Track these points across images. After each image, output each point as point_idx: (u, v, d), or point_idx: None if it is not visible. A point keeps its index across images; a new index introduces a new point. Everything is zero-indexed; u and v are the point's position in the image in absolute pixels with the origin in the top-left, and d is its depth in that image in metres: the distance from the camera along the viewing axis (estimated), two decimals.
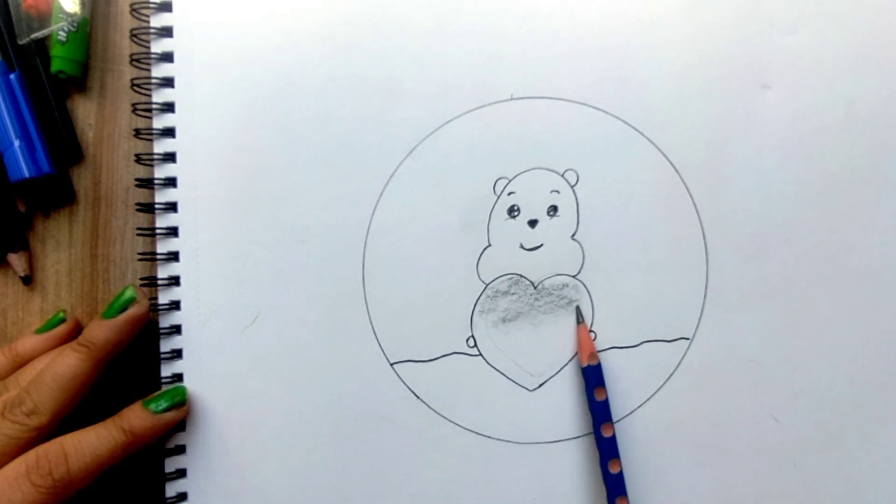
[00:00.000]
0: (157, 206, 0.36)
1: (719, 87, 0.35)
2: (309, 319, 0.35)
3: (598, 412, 0.34)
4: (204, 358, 0.35)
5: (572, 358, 0.35)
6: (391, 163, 0.35)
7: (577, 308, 0.35)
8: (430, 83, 0.35)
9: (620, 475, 0.33)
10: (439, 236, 0.35)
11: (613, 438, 0.34)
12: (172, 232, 0.35)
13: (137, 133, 0.36)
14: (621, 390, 0.35)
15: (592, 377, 0.34)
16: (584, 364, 0.34)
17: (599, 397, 0.34)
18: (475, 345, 0.35)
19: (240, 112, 0.35)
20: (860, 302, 0.35)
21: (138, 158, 0.36)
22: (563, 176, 0.35)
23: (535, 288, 0.35)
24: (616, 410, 0.35)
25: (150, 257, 0.36)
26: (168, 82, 0.35)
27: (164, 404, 0.34)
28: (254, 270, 0.35)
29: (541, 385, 0.35)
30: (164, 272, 0.36)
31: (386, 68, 0.35)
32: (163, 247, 0.36)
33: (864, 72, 0.34)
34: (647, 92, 0.35)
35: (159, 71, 0.36)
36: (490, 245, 0.35)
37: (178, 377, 0.35)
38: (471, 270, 0.35)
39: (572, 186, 0.35)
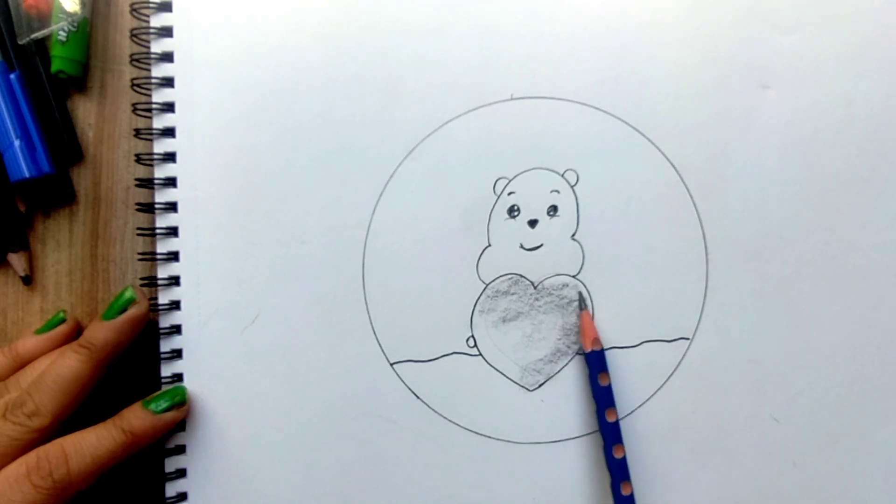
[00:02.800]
0: (157, 206, 0.36)
1: (719, 87, 0.35)
2: (309, 319, 0.35)
3: (602, 398, 0.34)
4: (204, 358, 0.35)
5: (572, 358, 0.35)
6: (391, 163, 0.35)
7: (580, 294, 0.35)
8: (430, 83, 0.35)
9: (624, 461, 0.34)
10: (439, 236, 0.35)
11: (617, 424, 0.34)
12: (172, 232, 0.35)
13: (137, 133, 0.36)
14: (621, 390, 0.35)
15: (596, 362, 0.34)
16: (588, 349, 0.34)
17: (603, 382, 0.34)
18: (475, 345, 0.35)
19: (240, 112, 0.35)
20: (860, 302, 0.35)
21: (138, 158, 0.36)
22: (563, 176, 0.35)
23: (535, 288, 0.35)
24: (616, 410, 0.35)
25: (150, 257, 0.36)
26: (168, 82, 0.35)
27: (164, 404, 0.34)
28: (254, 270, 0.35)
29: (541, 385, 0.35)
30: (164, 272, 0.36)
31: (386, 68, 0.35)
32: (163, 247, 0.36)
33: (864, 72, 0.34)
34: (647, 92, 0.35)
35: (159, 71, 0.36)
36: (490, 245, 0.35)
37: (178, 377, 0.35)
38: (471, 270, 0.35)
39: (572, 186, 0.35)
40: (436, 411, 0.35)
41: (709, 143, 0.35)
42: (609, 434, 0.34)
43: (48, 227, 0.38)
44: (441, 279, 0.35)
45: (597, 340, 0.34)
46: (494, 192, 0.35)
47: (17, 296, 0.38)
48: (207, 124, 0.35)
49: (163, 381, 0.35)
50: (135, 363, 0.36)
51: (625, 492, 0.33)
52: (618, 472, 0.33)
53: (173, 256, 0.35)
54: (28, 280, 0.38)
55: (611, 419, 0.34)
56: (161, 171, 0.36)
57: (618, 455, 0.33)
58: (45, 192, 0.37)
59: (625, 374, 0.35)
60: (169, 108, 0.35)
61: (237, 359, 0.35)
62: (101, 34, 0.38)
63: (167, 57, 0.35)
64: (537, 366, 0.35)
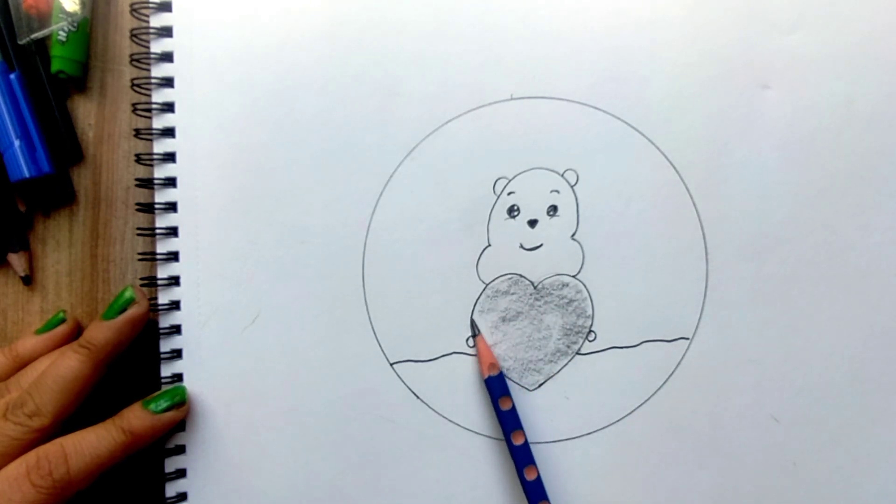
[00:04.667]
0: (157, 206, 0.36)
1: (719, 87, 0.35)
2: (309, 319, 0.35)
3: (507, 421, 0.34)
4: (204, 358, 0.36)
5: (572, 358, 0.35)
6: (391, 163, 0.35)
7: (472, 320, 0.35)
8: (430, 83, 0.35)
9: (538, 481, 0.33)
10: (439, 236, 0.35)
11: (526, 446, 0.34)
12: (172, 232, 0.35)
13: (137, 133, 0.36)
14: (621, 390, 0.35)
15: (496, 387, 0.34)
16: (485, 375, 0.34)
17: (505, 406, 0.34)
18: (475, 345, 0.35)
19: (240, 112, 0.35)
20: (860, 302, 0.35)
21: (138, 158, 0.36)
22: (562, 176, 0.35)
23: (534, 288, 0.35)
24: (616, 410, 0.35)
25: (150, 257, 0.36)
26: (168, 82, 0.35)
27: (163, 404, 0.34)
28: (254, 270, 0.35)
29: (541, 385, 0.35)
30: (164, 272, 0.36)
31: (386, 68, 0.35)
32: (163, 247, 0.36)
33: (864, 72, 0.34)
34: (647, 92, 0.35)
35: (159, 71, 0.36)
36: (490, 245, 0.35)
37: (178, 377, 0.35)
38: (471, 270, 0.35)
39: (572, 186, 0.35)
40: (436, 411, 0.35)
41: (709, 143, 0.35)
42: (520, 456, 0.33)
43: (48, 227, 0.38)
44: (441, 279, 0.35)
45: (493, 366, 0.34)
46: (494, 192, 0.35)
47: (17, 296, 0.38)
48: (207, 124, 0.35)
49: (163, 381, 0.36)
50: (135, 363, 0.36)
51: None
52: (533, 493, 0.33)
53: (173, 256, 0.35)
54: (28, 280, 0.38)
55: (518, 442, 0.34)
56: (161, 171, 0.36)
57: (530, 476, 0.33)
58: (45, 192, 0.37)
59: (625, 374, 0.35)
60: (169, 108, 0.35)
61: (237, 359, 0.36)
62: (101, 34, 0.38)
63: (167, 57, 0.35)
64: (537, 366, 0.35)
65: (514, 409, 0.34)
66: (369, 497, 0.35)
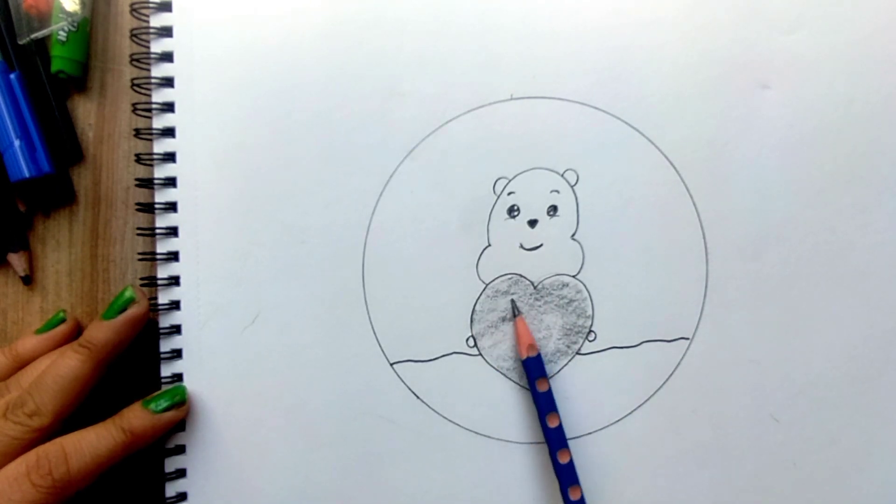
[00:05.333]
0: (157, 206, 0.36)
1: (719, 87, 0.35)
2: (309, 319, 0.35)
3: (542, 403, 0.34)
4: (204, 358, 0.36)
5: (572, 358, 0.35)
6: (391, 163, 0.35)
7: (512, 301, 0.35)
8: (430, 83, 0.35)
9: (570, 465, 0.34)
10: (439, 236, 0.35)
11: (560, 429, 0.34)
12: (172, 232, 0.35)
13: (137, 133, 0.36)
14: (621, 390, 0.35)
15: (533, 368, 0.34)
16: (524, 356, 0.34)
17: (541, 388, 0.34)
18: (475, 345, 0.35)
19: (240, 112, 0.35)
20: (860, 302, 0.35)
21: (138, 158, 0.36)
22: (562, 176, 0.35)
23: (534, 288, 0.35)
24: (616, 410, 0.35)
25: (150, 257, 0.36)
26: (168, 82, 0.35)
27: (163, 404, 0.34)
28: (254, 270, 0.35)
29: None
30: (164, 272, 0.36)
31: (386, 68, 0.35)
32: (163, 247, 0.36)
33: (864, 72, 0.34)
34: (647, 92, 0.35)
35: (159, 71, 0.36)
36: (490, 245, 0.35)
37: (178, 377, 0.35)
38: (471, 270, 0.35)
39: (572, 186, 0.35)
40: (436, 411, 0.35)
41: (709, 143, 0.35)
42: (553, 439, 0.34)
43: (48, 227, 0.38)
44: (441, 279, 0.35)
45: (532, 346, 0.34)
46: (494, 192, 0.35)
47: (17, 296, 0.38)
48: (207, 124, 0.35)
49: (163, 381, 0.36)
50: (135, 363, 0.36)
51: (573, 497, 0.33)
52: (565, 476, 0.33)
53: (173, 256, 0.35)
54: (28, 280, 0.38)
55: (552, 424, 0.34)
56: (161, 171, 0.36)
57: (563, 460, 0.33)
58: (45, 192, 0.37)
59: (625, 374, 0.35)
60: (169, 108, 0.35)
61: (237, 359, 0.36)
62: (101, 34, 0.38)
63: (167, 57, 0.35)
64: None
65: (550, 391, 0.34)
66: (369, 497, 0.35)
